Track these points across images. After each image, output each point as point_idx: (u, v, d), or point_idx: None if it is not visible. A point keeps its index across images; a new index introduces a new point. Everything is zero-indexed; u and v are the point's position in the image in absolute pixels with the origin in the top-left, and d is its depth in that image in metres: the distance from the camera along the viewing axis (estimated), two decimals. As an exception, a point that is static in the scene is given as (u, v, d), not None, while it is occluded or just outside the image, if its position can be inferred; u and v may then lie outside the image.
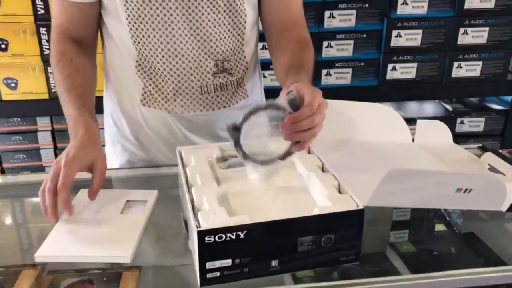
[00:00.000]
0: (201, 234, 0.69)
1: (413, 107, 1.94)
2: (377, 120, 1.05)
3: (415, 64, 1.74)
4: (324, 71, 1.73)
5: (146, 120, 1.06)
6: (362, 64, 1.73)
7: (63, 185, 0.79)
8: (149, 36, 0.98)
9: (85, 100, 0.95)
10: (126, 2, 0.95)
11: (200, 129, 1.08)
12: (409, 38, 1.70)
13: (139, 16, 0.96)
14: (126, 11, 0.96)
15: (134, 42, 0.99)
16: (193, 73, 1.02)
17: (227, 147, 0.95)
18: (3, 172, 1.71)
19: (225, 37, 1.02)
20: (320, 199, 0.80)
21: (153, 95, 1.04)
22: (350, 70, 1.74)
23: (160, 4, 0.95)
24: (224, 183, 0.84)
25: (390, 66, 1.74)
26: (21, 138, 1.68)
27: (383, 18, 1.68)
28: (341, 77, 1.75)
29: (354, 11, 1.66)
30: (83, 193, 0.96)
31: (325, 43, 1.70)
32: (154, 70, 1.02)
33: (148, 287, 0.78)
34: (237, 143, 0.82)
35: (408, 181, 0.76)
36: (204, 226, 0.71)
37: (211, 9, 0.97)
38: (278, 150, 0.85)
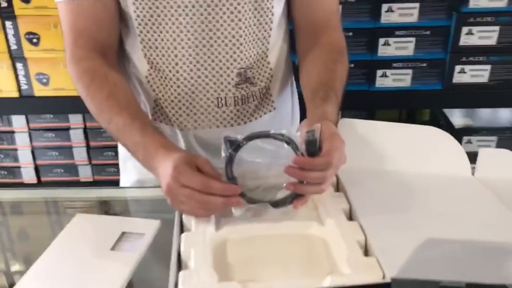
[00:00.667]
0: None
1: (485, 115, 1.69)
2: (426, 147, 0.85)
3: (488, 66, 1.49)
4: (379, 72, 1.52)
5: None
6: (425, 65, 1.51)
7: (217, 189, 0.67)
8: (161, 40, 0.84)
9: (141, 117, 0.80)
10: (136, 0, 0.81)
11: (217, 149, 0.93)
12: (483, 36, 1.45)
13: (150, 16, 0.82)
14: (135, 11, 0.83)
15: (144, 47, 0.86)
16: (210, 82, 0.88)
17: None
18: (36, 169, 1.67)
19: (249, 40, 0.86)
20: (339, 261, 0.63)
21: (164, 110, 0.91)
22: (410, 71, 1.52)
23: (173, 5, 0.80)
24: (226, 226, 0.70)
25: (458, 68, 1.50)
26: (54, 135, 1.62)
27: (451, 12, 1.44)
28: (399, 79, 1.53)
29: (417, 4, 1.43)
30: (79, 218, 0.85)
31: (381, 40, 1.48)
32: (165, 81, 0.88)
33: None
34: (229, 163, 0.67)
35: (450, 252, 0.58)
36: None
37: (234, 6, 0.81)
38: (273, 193, 0.69)
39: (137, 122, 0.77)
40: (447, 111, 1.67)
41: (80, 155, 1.64)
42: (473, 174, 0.84)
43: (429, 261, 0.58)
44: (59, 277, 0.72)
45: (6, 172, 1.66)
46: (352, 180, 0.78)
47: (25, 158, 1.64)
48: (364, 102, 1.56)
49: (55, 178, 1.67)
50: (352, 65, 1.49)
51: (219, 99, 0.89)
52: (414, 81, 1.53)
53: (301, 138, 0.67)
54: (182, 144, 0.93)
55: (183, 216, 0.71)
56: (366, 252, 0.65)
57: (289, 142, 0.66)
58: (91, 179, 1.69)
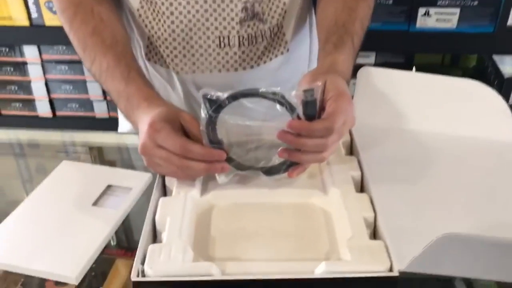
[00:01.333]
0: (138, 286, 0.47)
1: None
2: (462, 104, 0.71)
3: (551, 7, 1.28)
4: (421, 10, 1.34)
5: (153, 80, 0.83)
6: (475, 3, 1.31)
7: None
8: None
9: (127, 60, 0.70)
10: None
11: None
12: (548, -30, 1.24)
13: None
14: None
15: None
16: (210, 18, 0.75)
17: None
18: (51, 103, 1.61)
19: None
20: (340, 241, 0.53)
21: (158, 49, 0.79)
22: (457, 10, 1.33)
23: None
24: (213, 191, 0.60)
25: (514, 7, 1.30)
26: (67, 68, 1.53)
27: None
28: (444, 19, 1.35)
29: None
30: (65, 166, 0.77)
31: (426, -27, 1.30)
32: (158, 15, 0.76)
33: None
34: (209, 125, 0.56)
35: (469, 249, 0.47)
36: (148, 273, 0.48)
37: None
38: (266, 158, 0.58)
39: (122, 66, 0.67)
40: (497, 57, 1.47)
41: (94, 90, 1.56)
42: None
43: (449, 253, 0.46)
44: (35, 229, 0.65)
45: (21, 105, 1.61)
46: (369, 141, 0.66)
47: (39, 91, 1.58)
48: (402, 45, 1.39)
49: (70, 113, 1.61)
50: (390, 1, 1.32)
51: (221, 39, 0.76)
52: (461, 22, 1.35)
53: (298, 98, 0.55)
54: (179, 91, 0.82)
55: (166, 177, 0.61)
56: (374, 233, 0.54)
57: (283, 102, 0.55)
58: (106, 116, 1.63)
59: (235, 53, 0.78)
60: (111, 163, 0.86)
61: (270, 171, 0.59)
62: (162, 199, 0.57)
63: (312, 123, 0.55)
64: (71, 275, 0.59)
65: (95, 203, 0.70)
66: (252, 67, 0.80)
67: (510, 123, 0.70)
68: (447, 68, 1.65)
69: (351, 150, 0.67)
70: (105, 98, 1.59)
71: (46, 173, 0.75)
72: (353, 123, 0.58)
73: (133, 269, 0.48)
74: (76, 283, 0.59)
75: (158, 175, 0.62)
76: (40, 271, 0.61)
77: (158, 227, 0.55)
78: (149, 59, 0.81)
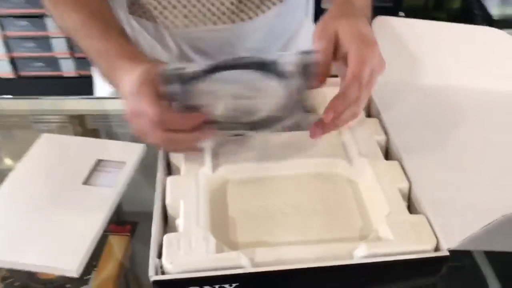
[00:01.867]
0: (160, 285, 0.41)
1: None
2: (484, 54, 0.66)
3: None
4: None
5: (138, 36, 0.73)
6: None
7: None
8: None
9: (105, 15, 0.61)
10: None
11: (212, 52, 0.74)
12: None
13: None
14: None
15: None
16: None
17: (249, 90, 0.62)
18: (13, 62, 1.47)
19: None
20: (374, 217, 0.48)
21: (143, 0, 0.70)
22: None
23: None
24: (226, 164, 0.53)
25: None
26: (28, 23, 1.39)
27: None
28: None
29: None
30: (45, 140, 0.69)
31: None
32: None
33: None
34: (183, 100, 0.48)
35: None
36: (168, 269, 0.42)
37: None
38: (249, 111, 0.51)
39: (99, 22, 0.58)
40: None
41: (60, 47, 1.43)
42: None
43: (502, 237, 0.42)
44: (22, 217, 0.58)
45: (-22, 66, 1.47)
46: (388, 100, 0.60)
47: (-3, 50, 1.44)
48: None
49: (34, 73, 1.49)
50: None
51: None
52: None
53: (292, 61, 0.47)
54: (172, 50, 0.73)
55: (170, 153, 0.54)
56: (410, 207, 0.49)
57: (272, 69, 0.47)
58: (75, 74, 1.51)
59: (231, 3, 0.69)
60: (95, 134, 0.78)
61: (257, 126, 0.51)
62: (170, 179, 0.50)
63: (342, 94, 0.48)
64: (71, 267, 0.53)
65: (86, 182, 0.63)
66: (250, 17, 0.71)
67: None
68: (431, 11, 1.59)
69: (369, 110, 0.61)
70: (72, 55, 1.47)
71: (18, 147, 0.67)
72: (382, 67, 0.51)
73: (150, 266, 0.42)
74: (78, 276, 0.53)
75: (161, 150, 0.55)
76: (33, 265, 0.54)
77: (170, 211, 0.48)
78: (133, 13, 0.71)
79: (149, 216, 0.62)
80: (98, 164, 0.65)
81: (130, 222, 0.60)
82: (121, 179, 0.63)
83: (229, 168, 0.53)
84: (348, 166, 0.53)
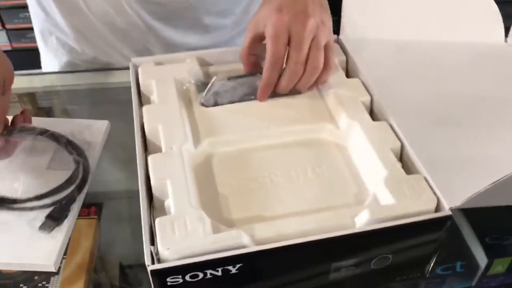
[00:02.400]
0: (158, 275, 0.38)
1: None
2: (455, 7, 0.65)
3: None
4: None
5: (88, 2, 0.66)
6: None
7: None
8: None
9: None
10: None
11: (174, 17, 0.69)
12: None
13: None
14: None
15: None
16: None
17: (216, 56, 0.59)
18: None
19: None
20: (369, 181, 0.47)
21: None
22: None
23: None
24: (208, 138, 0.50)
25: None
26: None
27: None
28: None
29: None
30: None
31: None
32: None
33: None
34: None
35: None
36: (165, 255, 0.39)
37: None
38: None
39: None
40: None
41: (-11, 19, 1.31)
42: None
43: (505, 194, 0.42)
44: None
45: None
46: (367, 58, 0.58)
47: None
48: None
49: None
50: None
51: None
52: None
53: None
54: (129, 15, 0.67)
55: (146, 126, 0.50)
56: (404, 168, 0.48)
57: None
58: (8, 47, 1.39)
59: None
60: (49, 113, 0.71)
61: None
62: (152, 159, 0.46)
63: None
64: (47, 262, 0.48)
65: (49, 166, 0.57)
66: None
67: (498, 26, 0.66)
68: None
69: (347, 70, 0.59)
70: (3, 26, 1.35)
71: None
72: (307, 23, 0.49)
73: (145, 254, 0.38)
74: (55, 270, 0.49)
75: (135, 125, 0.50)
76: (5, 263, 0.49)
77: (156, 193, 0.44)
78: None
79: (113, 196, 0.59)
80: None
81: (94, 204, 0.56)
82: (91, 157, 0.58)
83: (212, 142, 0.49)
84: (335, 130, 0.51)
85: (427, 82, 0.58)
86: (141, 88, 0.55)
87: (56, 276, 0.49)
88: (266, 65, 0.50)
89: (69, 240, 0.52)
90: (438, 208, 0.43)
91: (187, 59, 0.57)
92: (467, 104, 0.55)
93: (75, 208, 0.53)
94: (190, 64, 0.56)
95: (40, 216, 0.51)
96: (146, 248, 0.39)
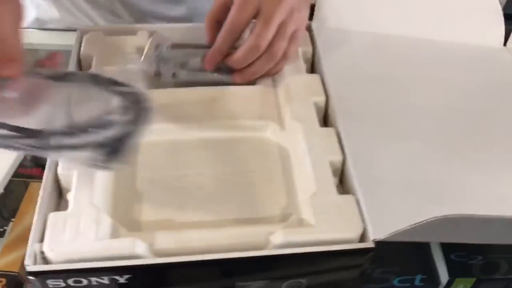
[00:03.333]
0: (38, 276, 0.35)
1: None
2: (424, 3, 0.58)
3: None
4: None
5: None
6: None
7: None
8: None
9: None
10: None
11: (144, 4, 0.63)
12: None
13: None
14: None
15: None
16: None
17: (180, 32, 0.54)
18: None
19: None
20: (300, 196, 0.42)
21: None
22: None
23: None
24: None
25: None
26: None
27: None
28: None
29: None
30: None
31: None
32: None
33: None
34: None
35: (467, 227, 0.37)
36: (49, 257, 0.36)
37: None
38: None
39: None
40: None
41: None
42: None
43: (441, 231, 0.37)
44: None
45: None
46: (336, 52, 0.52)
47: None
48: None
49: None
50: None
51: None
52: None
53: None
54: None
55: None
56: (342, 183, 0.43)
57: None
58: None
59: None
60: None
61: None
62: None
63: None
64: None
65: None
66: None
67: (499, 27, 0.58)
68: None
69: (313, 65, 0.53)
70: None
71: None
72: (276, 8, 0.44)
73: (27, 252, 0.36)
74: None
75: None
76: None
77: (63, 184, 0.41)
78: None
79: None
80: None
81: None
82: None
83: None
84: (279, 130, 0.46)
85: (400, 86, 0.52)
86: (81, 58, 0.51)
87: (0, 239, 0.48)
88: (221, 31, 0.46)
89: (19, 203, 0.50)
90: (363, 237, 0.38)
91: (138, 32, 0.53)
92: (439, 117, 0.49)
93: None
94: (141, 39, 0.52)
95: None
96: (31, 245, 0.36)
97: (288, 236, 0.37)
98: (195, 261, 0.36)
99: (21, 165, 0.53)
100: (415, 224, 0.34)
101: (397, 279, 0.47)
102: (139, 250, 0.36)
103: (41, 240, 0.37)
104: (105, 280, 0.36)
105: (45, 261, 0.36)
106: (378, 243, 0.37)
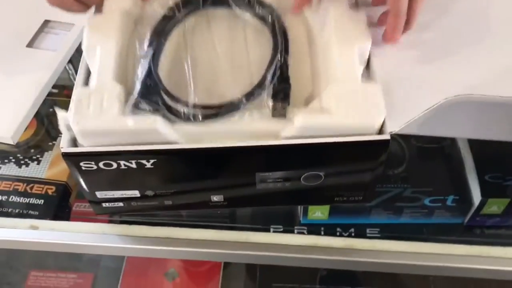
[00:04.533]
0: (71, 158, 0.38)
1: None
2: None
3: None
4: None
5: None
6: None
7: None
8: None
9: None
10: None
11: None
12: None
13: None
14: None
15: None
16: None
17: None
18: None
19: None
20: (324, 81, 0.41)
21: None
22: None
23: None
24: None
25: None
26: None
27: None
28: None
29: None
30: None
31: None
32: None
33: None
34: None
35: (477, 111, 0.36)
36: (76, 130, 0.37)
37: None
38: None
39: None
40: None
41: None
42: None
43: (454, 115, 0.36)
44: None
45: None
46: None
47: None
48: None
49: None
50: None
51: None
52: None
53: None
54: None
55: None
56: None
57: None
58: None
59: None
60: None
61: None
62: (90, 20, 0.43)
63: None
64: (6, 134, 0.51)
65: (30, 44, 0.58)
66: None
67: None
68: None
69: None
70: None
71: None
72: None
73: (62, 136, 0.38)
74: (14, 143, 0.51)
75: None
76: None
77: (88, 62, 0.42)
78: None
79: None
80: (45, 25, 0.60)
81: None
82: (68, 42, 0.58)
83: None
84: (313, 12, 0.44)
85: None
86: None
87: (50, 151, 0.52)
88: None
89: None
90: (381, 130, 0.38)
91: None
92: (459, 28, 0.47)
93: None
94: None
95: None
96: (64, 127, 0.38)
97: (307, 120, 0.37)
98: (217, 148, 0.37)
99: (67, 87, 0.56)
100: (427, 109, 0.34)
101: (428, 199, 0.48)
102: (160, 128, 0.37)
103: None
104: (133, 164, 0.38)
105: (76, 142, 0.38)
106: (394, 135, 0.37)
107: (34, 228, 0.45)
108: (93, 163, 0.38)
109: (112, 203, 0.43)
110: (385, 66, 0.40)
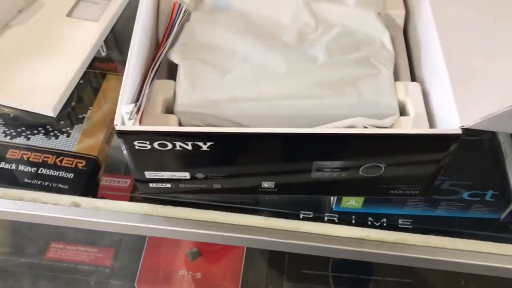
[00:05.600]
0: (124, 136, 0.37)
1: None
2: None
3: None
4: None
5: None
6: None
7: None
8: None
9: None
10: None
11: None
12: None
13: None
14: None
15: None
16: None
17: None
18: None
19: None
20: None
21: None
22: None
23: None
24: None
25: None
26: None
27: None
28: None
29: None
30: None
31: None
32: None
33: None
34: None
35: None
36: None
37: None
38: None
39: None
40: None
41: None
42: None
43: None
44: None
45: None
46: None
47: None
48: None
49: None
50: None
51: None
52: None
53: None
54: None
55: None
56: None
57: None
58: None
59: None
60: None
61: None
62: None
63: None
64: (47, 106, 0.49)
65: (69, 13, 0.56)
66: None
67: None
68: None
69: None
70: None
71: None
72: None
73: (116, 113, 0.37)
74: (55, 115, 0.49)
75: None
76: (11, 102, 0.50)
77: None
78: None
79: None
80: (82, -2, 0.58)
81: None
82: (110, 13, 0.56)
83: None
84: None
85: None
86: None
87: (79, 124, 0.50)
88: None
89: (98, 92, 0.52)
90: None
91: None
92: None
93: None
94: None
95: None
96: (120, 105, 0.37)
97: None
98: (280, 133, 0.36)
99: (98, 59, 0.54)
100: (508, 106, 0.32)
101: (467, 193, 0.46)
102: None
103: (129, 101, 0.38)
104: (189, 146, 0.37)
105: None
106: (465, 130, 0.36)
107: (76, 205, 0.44)
108: (147, 142, 0.37)
109: (160, 184, 0.42)
110: (454, 58, 0.38)
